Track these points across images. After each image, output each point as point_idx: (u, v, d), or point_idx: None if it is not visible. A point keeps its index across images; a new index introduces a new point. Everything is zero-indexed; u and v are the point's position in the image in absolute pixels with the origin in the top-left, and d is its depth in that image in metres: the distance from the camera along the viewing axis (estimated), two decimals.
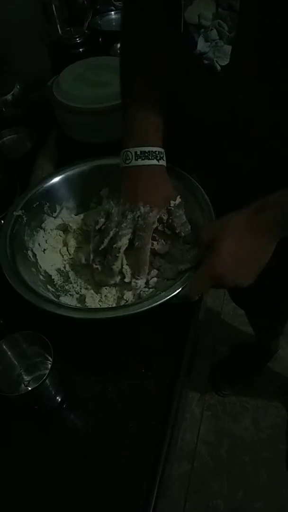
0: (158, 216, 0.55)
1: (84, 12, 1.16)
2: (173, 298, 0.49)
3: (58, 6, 1.10)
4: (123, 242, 0.54)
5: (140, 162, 0.55)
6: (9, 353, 0.50)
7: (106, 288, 0.57)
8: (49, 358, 0.48)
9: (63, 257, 0.64)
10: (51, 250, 0.63)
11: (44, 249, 0.62)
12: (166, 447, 0.47)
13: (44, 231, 0.64)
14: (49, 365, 0.47)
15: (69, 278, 0.61)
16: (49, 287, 0.58)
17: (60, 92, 0.79)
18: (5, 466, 0.48)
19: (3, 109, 0.87)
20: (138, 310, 0.48)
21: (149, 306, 0.48)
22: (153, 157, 0.55)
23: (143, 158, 0.54)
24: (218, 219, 0.55)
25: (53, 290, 0.58)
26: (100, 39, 1.13)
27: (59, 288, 0.60)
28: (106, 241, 0.55)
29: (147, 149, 0.55)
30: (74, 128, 0.82)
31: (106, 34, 1.13)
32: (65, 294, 0.58)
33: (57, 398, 0.51)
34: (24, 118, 0.87)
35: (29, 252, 0.60)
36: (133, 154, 0.55)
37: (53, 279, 0.60)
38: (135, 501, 0.44)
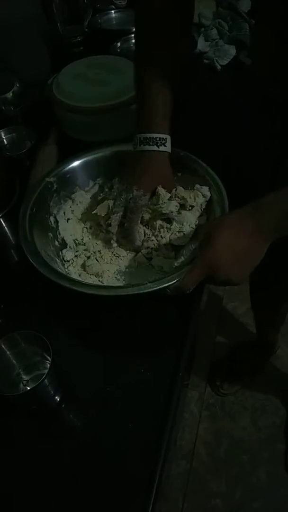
0: (148, 200, 0.59)
1: (84, 10, 1.17)
2: (176, 283, 0.50)
3: (59, 5, 1.10)
4: (114, 218, 0.60)
5: (142, 147, 0.59)
6: (8, 352, 0.50)
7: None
8: (48, 357, 0.48)
9: (83, 230, 0.65)
10: (75, 221, 0.65)
11: (68, 219, 0.64)
12: (165, 447, 0.47)
13: (73, 201, 0.65)
14: (48, 365, 0.47)
15: (84, 247, 0.63)
16: (60, 253, 0.60)
17: (60, 90, 0.79)
18: (4, 465, 0.48)
19: (3, 107, 0.87)
20: (141, 291, 0.50)
21: (152, 289, 0.50)
22: (153, 143, 0.58)
23: (144, 144, 0.59)
24: (216, 217, 0.56)
25: (62, 257, 0.60)
26: (100, 38, 1.12)
27: (69, 258, 0.61)
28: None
29: (148, 135, 0.58)
30: (74, 127, 0.82)
31: (106, 32, 1.13)
32: (72, 264, 0.60)
33: (56, 397, 0.51)
34: (24, 117, 0.87)
35: (51, 218, 0.62)
36: (138, 139, 0.59)
37: (69, 247, 0.62)
38: (134, 501, 0.44)
